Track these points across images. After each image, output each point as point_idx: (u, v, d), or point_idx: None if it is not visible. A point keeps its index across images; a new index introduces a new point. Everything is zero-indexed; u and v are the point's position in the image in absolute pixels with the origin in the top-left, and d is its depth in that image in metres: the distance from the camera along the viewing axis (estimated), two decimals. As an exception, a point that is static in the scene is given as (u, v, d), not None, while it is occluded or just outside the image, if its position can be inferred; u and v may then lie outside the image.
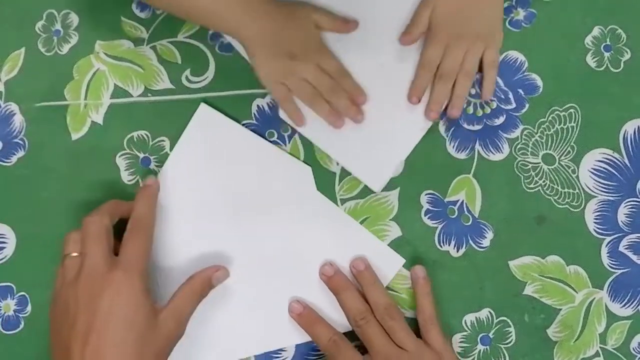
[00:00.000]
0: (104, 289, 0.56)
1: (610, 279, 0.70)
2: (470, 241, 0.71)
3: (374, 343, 0.63)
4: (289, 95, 0.71)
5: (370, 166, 0.71)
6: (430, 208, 0.71)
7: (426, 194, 0.72)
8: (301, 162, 0.72)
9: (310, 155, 0.72)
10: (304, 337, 0.68)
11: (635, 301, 0.70)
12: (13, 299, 0.69)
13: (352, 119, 0.71)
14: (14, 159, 0.72)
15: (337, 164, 0.72)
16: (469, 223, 0.71)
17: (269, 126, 0.73)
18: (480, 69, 0.74)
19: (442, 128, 0.73)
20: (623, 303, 0.70)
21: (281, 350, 0.68)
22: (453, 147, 0.73)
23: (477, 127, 0.73)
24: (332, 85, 0.71)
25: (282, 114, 0.72)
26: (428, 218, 0.71)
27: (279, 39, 0.69)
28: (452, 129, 0.73)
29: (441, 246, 0.71)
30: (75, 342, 0.55)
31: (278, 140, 0.73)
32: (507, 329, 0.69)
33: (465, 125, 0.73)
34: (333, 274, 0.68)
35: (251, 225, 0.70)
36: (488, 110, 0.74)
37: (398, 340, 0.64)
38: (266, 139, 0.73)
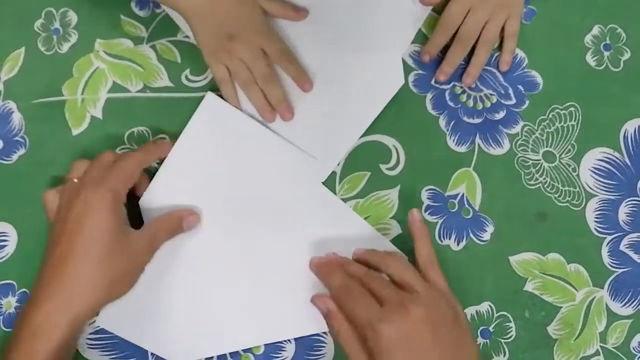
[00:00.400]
0: (77, 202, 0.60)
1: (611, 278, 0.70)
2: (471, 234, 0.71)
3: (382, 294, 0.59)
4: (228, 77, 0.71)
5: (319, 149, 0.72)
6: (431, 204, 0.71)
7: (427, 190, 0.72)
8: (308, 155, 0.71)
9: (310, 153, 0.72)
10: (308, 330, 0.68)
11: (636, 300, 0.70)
12: (14, 296, 0.69)
13: (280, 114, 0.71)
14: (15, 157, 0.72)
15: (338, 163, 0.72)
16: (470, 216, 0.71)
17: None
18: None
19: (442, 122, 0.73)
20: (623, 302, 0.70)
21: (281, 349, 0.68)
22: (453, 140, 0.73)
23: (477, 121, 0.73)
24: (267, 73, 0.70)
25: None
26: (428, 214, 0.71)
27: (219, 15, 0.68)
28: (453, 122, 0.73)
29: (441, 240, 0.71)
30: (50, 244, 0.61)
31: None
32: (507, 324, 0.69)
33: (465, 119, 0.73)
34: (317, 262, 0.66)
35: (254, 217, 0.69)
36: (488, 104, 0.74)
37: (407, 284, 0.60)
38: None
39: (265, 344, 0.68)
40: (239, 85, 0.71)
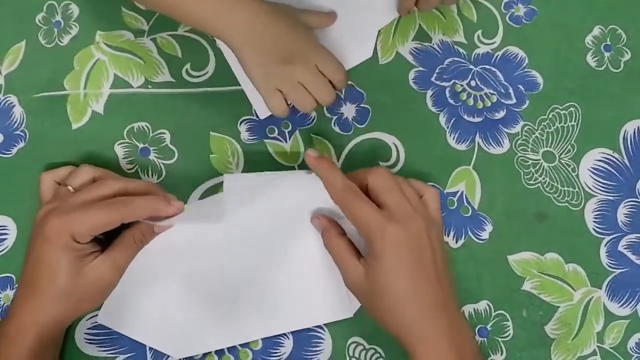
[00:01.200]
0: (39, 235, 0.60)
1: (609, 278, 0.70)
2: (470, 233, 0.71)
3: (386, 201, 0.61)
4: (285, 107, 0.68)
5: None
6: (430, 200, 0.71)
7: (426, 187, 0.72)
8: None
9: (310, 150, 0.73)
10: (299, 325, 0.68)
11: (634, 301, 0.70)
12: (13, 289, 0.69)
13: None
14: (15, 150, 0.72)
15: (338, 160, 0.72)
16: (469, 214, 0.71)
17: (269, 122, 0.73)
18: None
19: (442, 119, 0.74)
20: (621, 303, 0.70)
21: (279, 345, 0.68)
22: (453, 138, 0.73)
23: (477, 120, 0.74)
24: (329, 98, 0.69)
25: (262, 111, 0.72)
26: (428, 211, 0.71)
27: (270, 38, 0.65)
28: (453, 120, 0.73)
29: (440, 238, 0.71)
30: (28, 247, 0.63)
31: (278, 136, 0.73)
32: (505, 322, 0.69)
33: (466, 117, 0.74)
34: (316, 156, 0.65)
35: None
36: (488, 104, 0.74)
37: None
38: (267, 135, 0.73)
39: (263, 339, 0.68)
40: (300, 109, 0.69)
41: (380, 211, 0.60)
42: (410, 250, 0.59)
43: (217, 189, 0.71)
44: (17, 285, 0.64)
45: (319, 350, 0.68)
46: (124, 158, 0.72)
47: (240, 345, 0.68)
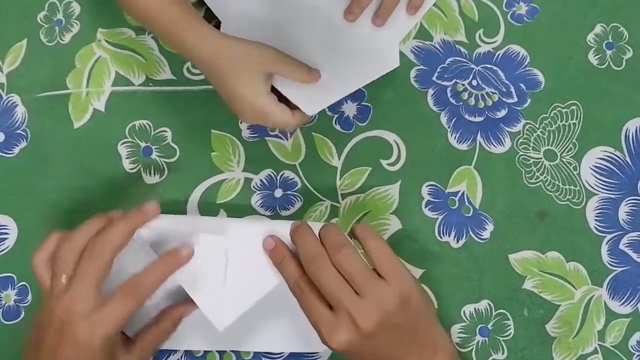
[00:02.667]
0: (69, 337, 0.56)
1: (610, 276, 0.70)
2: (471, 232, 0.71)
3: (318, 308, 0.59)
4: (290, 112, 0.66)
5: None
6: (431, 199, 0.71)
7: (427, 186, 0.72)
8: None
9: (312, 149, 0.73)
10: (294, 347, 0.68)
11: (635, 299, 0.70)
12: (14, 289, 0.69)
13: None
14: (17, 150, 0.72)
15: (339, 158, 0.72)
16: (470, 214, 0.71)
17: (270, 120, 0.73)
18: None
19: (444, 119, 0.74)
20: (622, 301, 0.70)
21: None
22: (454, 138, 0.73)
23: (478, 119, 0.73)
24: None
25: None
26: (428, 210, 0.71)
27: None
28: (454, 119, 0.73)
29: (441, 237, 0.71)
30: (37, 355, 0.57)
31: (279, 135, 0.73)
32: (505, 321, 0.69)
33: (467, 117, 0.73)
34: (274, 245, 0.63)
35: None
36: (490, 103, 0.74)
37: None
38: (268, 133, 0.73)
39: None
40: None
41: (329, 313, 0.58)
42: (357, 348, 0.57)
43: (218, 186, 0.72)
44: None
45: (317, 356, 0.68)
46: (126, 158, 0.72)
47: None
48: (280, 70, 0.65)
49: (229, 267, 0.63)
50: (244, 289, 0.63)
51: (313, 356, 0.68)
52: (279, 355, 0.68)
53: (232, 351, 0.68)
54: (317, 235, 0.62)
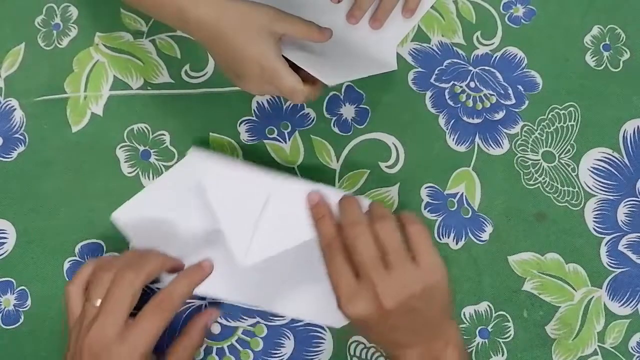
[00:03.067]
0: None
1: (609, 277, 0.70)
2: (470, 234, 0.71)
3: (343, 272, 0.59)
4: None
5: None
6: (430, 201, 0.71)
7: (426, 187, 0.72)
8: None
9: (310, 152, 0.73)
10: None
11: (634, 300, 0.70)
12: (13, 293, 0.69)
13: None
14: (15, 154, 0.72)
15: (337, 160, 0.72)
16: (469, 216, 0.71)
17: (268, 123, 0.73)
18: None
19: (442, 121, 0.74)
20: (622, 302, 0.70)
21: (280, 346, 0.68)
22: (453, 139, 0.73)
23: (476, 121, 0.74)
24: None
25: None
26: (428, 211, 0.71)
27: (220, 53, 0.63)
28: (452, 121, 0.74)
29: (440, 239, 0.71)
30: None
31: (278, 137, 0.73)
32: (505, 323, 0.69)
33: (465, 119, 0.74)
34: (317, 201, 0.64)
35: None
36: (488, 105, 0.74)
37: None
38: (267, 136, 0.73)
39: (263, 339, 0.68)
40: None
41: (353, 280, 0.58)
42: (373, 322, 0.57)
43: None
44: None
45: (320, 350, 0.68)
46: (125, 162, 0.72)
47: (241, 345, 0.68)
48: (288, 29, 0.62)
49: (266, 210, 0.64)
50: (274, 235, 0.64)
51: (317, 351, 0.68)
52: (281, 354, 0.68)
53: (232, 352, 0.68)
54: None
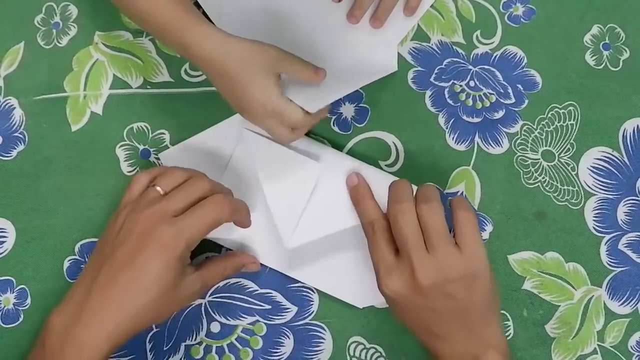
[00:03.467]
0: (151, 242, 0.56)
1: (609, 277, 0.70)
2: (470, 233, 0.71)
3: (384, 250, 0.61)
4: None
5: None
6: (430, 200, 0.71)
7: (426, 187, 0.72)
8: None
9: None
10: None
11: (634, 299, 0.70)
12: (13, 292, 0.69)
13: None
14: (14, 153, 0.72)
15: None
16: (469, 214, 0.71)
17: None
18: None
19: (441, 120, 0.74)
20: (622, 301, 0.70)
21: (280, 345, 0.68)
22: (452, 139, 0.73)
23: (476, 120, 0.74)
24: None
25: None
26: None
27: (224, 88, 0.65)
28: (452, 120, 0.73)
29: (440, 238, 0.70)
30: (107, 267, 0.56)
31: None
32: (505, 322, 0.69)
33: (465, 118, 0.74)
34: (357, 183, 0.67)
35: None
36: (487, 104, 0.74)
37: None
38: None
39: (263, 339, 0.68)
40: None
41: (392, 257, 0.60)
42: (408, 300, 0.59)
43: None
44: (82, 281, 0.58)
45: (320, 350, 0.68)
46: (125, 161, 0.72)
47: (240, 344, 0.68)
48: (287, 69, 0.63)
49: (313, 196, 0.68)
50: (320, 220, 0.68)
51: (317, 351, 0.68)
52: (280, 353, 0.68)
53: (231, 351, 0.68)
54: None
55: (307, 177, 0.68)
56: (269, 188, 0.68)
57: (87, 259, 0.68)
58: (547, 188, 0.72)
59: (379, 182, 0.67)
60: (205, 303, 0.68)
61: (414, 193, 0.63)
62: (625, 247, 0.71)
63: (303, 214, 0.68)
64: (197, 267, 0.61)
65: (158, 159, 0.72)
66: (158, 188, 0.60)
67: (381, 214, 0.64)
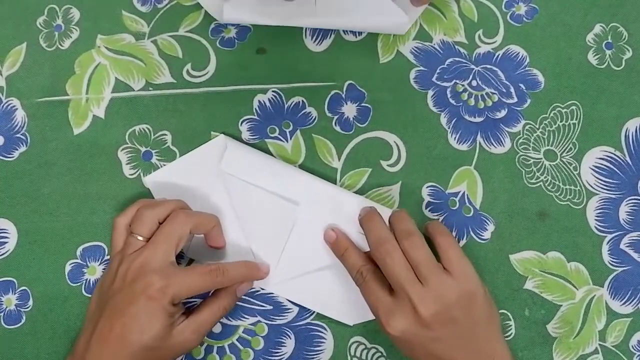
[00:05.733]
0: (140, 291, 0.59)
1: (611, 276, 0.70)
2: (471, 233, 0.71)
3: (378, 293, 0.62)
4: None
5: None
6: (432, 201, 0.71)
7: (427, 187, 0.72)
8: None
9: (312, 151, 0.73)
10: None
11: (636, 299, 0.70)
12: (15, 293, 0.69)
13: None
14: (16, 154, 0.72)
15: (339, 159, 0.72)
16: (470, 214, 0.71)
17: (270, 122, 0.73)
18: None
19: (443, 120, 0.73)
20: (623, 301, 0.70)
21: (281, 345, 0.68)
22: (454, 138, 0.73)
23: (478, 120, 0.73)
24: None
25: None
26: (429, 211, 0.71)
27: None
28: (454, 120, 0.73)
29: (442, 238, 0.71)
30: (105, 316, 0.59)
31: (279, 136, 0.73)
32: (507, 322, 0.69)
33: (467, 117, 0.73)
34: (335, 237, 0.68)
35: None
36: (489, 103, 0.74)
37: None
38: (268, 135, 0.73)
39: (264, 339, 0.68)
40: None
41: (389, 298, 0.61)
42: (414, 336, 0.59)
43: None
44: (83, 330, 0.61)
45: (321, 350, 0.68)
46: (127, 163, 0.72)
47: (241, 344, 0.68)
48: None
49: (292, 235, 0.69)
50: (299, 259, 0.69)
51: (318, 351, 0.68)
52: (281, 354, 0.68)
53: (232, 351, 0.68)
54: (387, 222, 0.65)
55: (285, 219, 0.69)
56: (247, 228, 0.70)
57: (88, 263, 0.69)
58: (549, 187, 0.72)
59: (359, 207, 0.69)
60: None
61: (387, 221, 0.65)
62: (627, 246, 0.71)
63: (282, 255, 0.69)
64: (189, 314, 0.63)
65: (160, 160, 0.72)
66: (139, 238, 0.62)
67: (366, 258, 0.66)
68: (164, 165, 0.71)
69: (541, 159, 0.73)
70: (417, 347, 0.60)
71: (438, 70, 0.75)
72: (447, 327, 0.59)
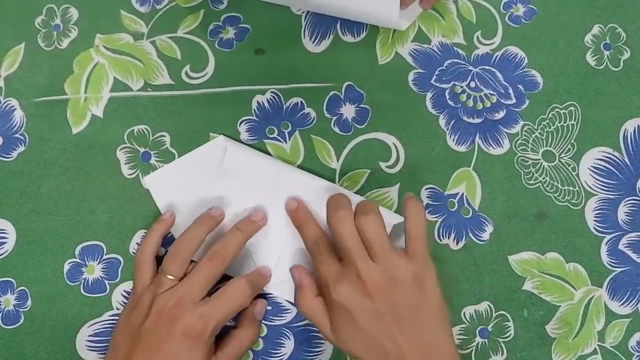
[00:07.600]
0: (179, 330, 0.59)
1: (610, 277, 0.70)
2: (470, 234, 0.71)
3: (330, 262, 0.61)
4: None
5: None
6: (430, 202, 0.71)
7: (426, 189, 0.72)
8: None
9: (311, 152, 0.73)
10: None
11: (634, 300, 0.70)
12: (13, 294, 0.69)
13: None
14: (15, 154, 0.72)
15: (338, 160, 0.72)
16: (469, 216, 0.71)
17: (268, 122, 0.73)
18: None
19: (442, 121, 0.74)
20: (622, 301, 0.70)
21: (280, 345, 0.68)
22: (453, 140, 0.73)
23: (477, 121, 0.73)
24: None
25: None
26: (428, 212, 0.71)
27: None
28: (452, 122, 0.73)
29: (441, 240, 0.70)
30: (140, 354, 0.59)
31: (278, 137, 0.73)
32: (505, 323, 0.69)
33: (465, 118, 0.73)
34: (296, 206, 0.68)
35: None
36: (488, 104, 0.74)
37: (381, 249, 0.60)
38: (267, 136, 0.73)
39: (264, 340, 0.68)
40: None
41: (337, 266, 0.61)
42: (357, 306, 0.58)
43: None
44: None
45: (320, 351, 0.68)
46: (125, 163, 0.72)
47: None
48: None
49: (290, 235, 0.69)
50: (298, 259, 0.69)
51: (317, 352, 0.68)
52: (281, 355, 0.68)
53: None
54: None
55: (284, 219, 0.69)
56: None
57: (87, 262, 0.69)
58: (547, 188, 0.72)
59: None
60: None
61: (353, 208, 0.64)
62: (626, 247, 0.71)
63: (281, 256, 0.69)
64: (214, 349, 0.63)
65: (158, 161, 0.72)
66: (169, 276, 0.63)
67: (322, 231, 0.66)
68: (163, 166, 0.72)
69: (540, 159, 0.73)
70: (358, 321, 0.58)
71: (436, 72, 0.75)
72: (389, 303, 0.57)
